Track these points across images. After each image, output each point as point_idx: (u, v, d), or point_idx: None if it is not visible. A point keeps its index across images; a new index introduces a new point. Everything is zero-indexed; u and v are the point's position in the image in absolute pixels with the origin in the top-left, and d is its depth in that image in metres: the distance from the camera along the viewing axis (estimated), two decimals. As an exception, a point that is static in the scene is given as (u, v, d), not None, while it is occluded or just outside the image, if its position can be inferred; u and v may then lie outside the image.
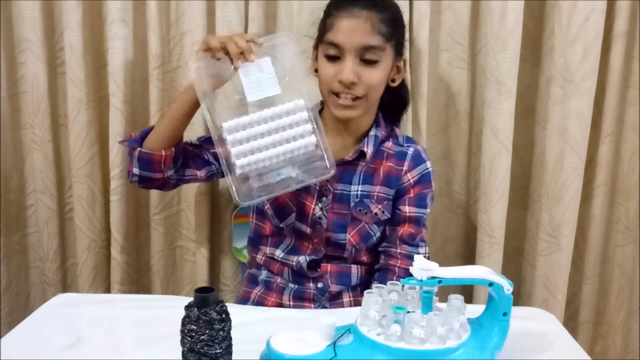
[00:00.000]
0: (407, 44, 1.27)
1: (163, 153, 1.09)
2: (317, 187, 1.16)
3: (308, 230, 1.17)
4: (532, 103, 1.40)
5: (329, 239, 1.17)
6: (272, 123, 0.98)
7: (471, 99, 1.39)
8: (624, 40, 1.33)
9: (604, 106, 1.38)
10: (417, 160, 1.19)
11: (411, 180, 1.18)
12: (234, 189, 0.99)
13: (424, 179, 1.19)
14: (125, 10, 1.30)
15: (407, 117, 1.31)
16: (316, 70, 1.17)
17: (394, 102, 1.24)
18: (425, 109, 1.33)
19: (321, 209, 1.17)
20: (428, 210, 1.20)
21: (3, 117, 1.39)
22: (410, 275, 0.80)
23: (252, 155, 0.97)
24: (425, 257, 1.19)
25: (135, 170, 1.11)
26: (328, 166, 1.02)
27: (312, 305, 1.18)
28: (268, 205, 1.19)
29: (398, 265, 1.16)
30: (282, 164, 1.00)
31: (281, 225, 1.18)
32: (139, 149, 1.10)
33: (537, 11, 1.35)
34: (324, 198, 1.17)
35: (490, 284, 0.80)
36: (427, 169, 1.19)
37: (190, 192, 1.41)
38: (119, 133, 1.34)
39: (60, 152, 1.44)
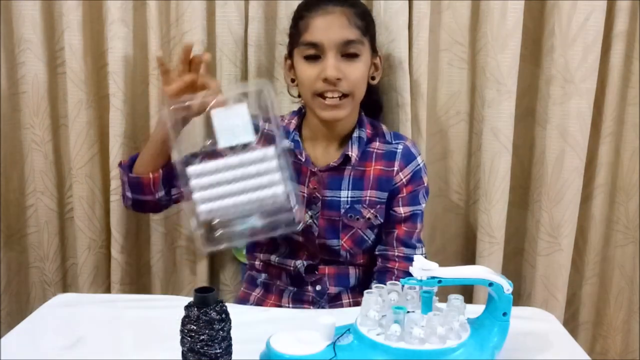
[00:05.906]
0: (409, 47, 1.27)
1: (151, 176, 1.11)
2: (306, 195, 1.15)
3: (300, 238, 1.16)
4: (532, 103, 1.40)
5: (323, 245, 1.16)
6: (239, 170, 0.89)
7: (471, 99, 1.39)
8: (624, 40, 1.33)
9: (604, 106, 1.38)
10: (408, 157, 1.16)
11: (404, 180, 1.16)
12: (198, 235, 0.91)
13: (416, 176, 1.16)
14: (125, 10, 1.30)
15: (407, 117, 1.30)
16: (292, 81, 1.15)
17: (369, 106, 1.22)
18: (425, 109, 1.33)
19: (311, 216, 1.15)
20: (423, 205, 1.18)
21: (3, 117, 1.39)
22: (409, 276, 0.80)
23: (216, 202, 0.89)
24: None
25: (128, 194, 1.14)
26: (296, 220, 0.93)
27: (312, 308, 1.17)
28: None
29: (396, 267, 1.16)
30: (249, 213, 0.92)
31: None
32: (129, 174, 1.12)
33: (537, 11, 1.34)
34: (313, 205, 1.15)
35: (490, 284, 0.80)
36: (419, 164, 1.17)
37: (190, 192, 1.41)
38: (119, 133, 1.34)
39: (60, 152, 1.44)
